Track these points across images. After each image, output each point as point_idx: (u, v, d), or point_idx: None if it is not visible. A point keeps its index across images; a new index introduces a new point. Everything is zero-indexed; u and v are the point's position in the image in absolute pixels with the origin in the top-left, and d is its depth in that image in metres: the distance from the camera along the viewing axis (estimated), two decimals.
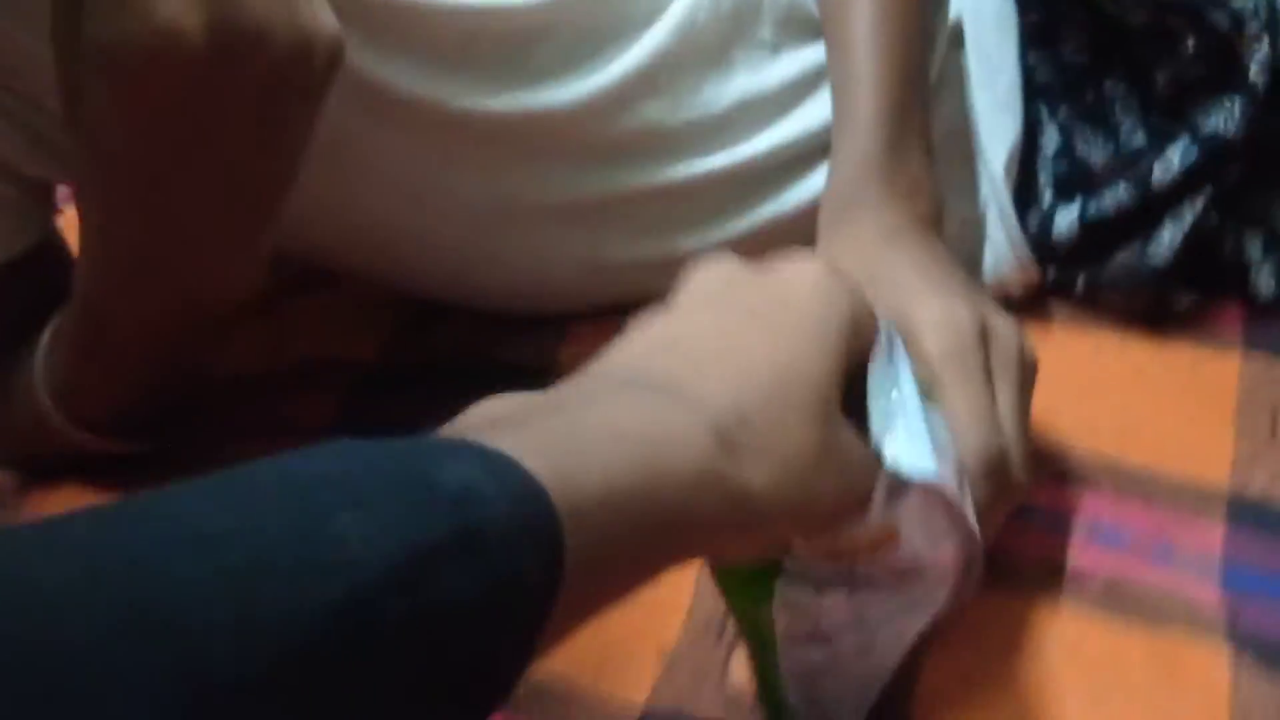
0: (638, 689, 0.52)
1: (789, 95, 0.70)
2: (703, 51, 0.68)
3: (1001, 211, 0.69)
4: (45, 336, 0.60)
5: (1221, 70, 0.65)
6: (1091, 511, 0.57)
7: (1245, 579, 0.54)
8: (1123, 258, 0.67)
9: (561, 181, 0.68)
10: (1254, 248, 0.68)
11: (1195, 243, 0.66)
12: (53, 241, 0.66)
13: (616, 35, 0.67)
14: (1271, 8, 0.64)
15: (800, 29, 0.70)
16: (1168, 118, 0.68)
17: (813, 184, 0.69)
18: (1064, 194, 0.69)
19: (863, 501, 0.38)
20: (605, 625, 0.34)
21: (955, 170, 0.69)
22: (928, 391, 0.47)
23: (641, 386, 0.36)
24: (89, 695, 0.21)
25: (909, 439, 0.40)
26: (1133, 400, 0.64)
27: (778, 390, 0.37)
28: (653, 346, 0.38)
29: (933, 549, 0.41)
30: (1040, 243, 0.68)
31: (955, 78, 0.70)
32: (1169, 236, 0.65)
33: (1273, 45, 0.63)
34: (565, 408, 0.34)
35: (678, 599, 0.55)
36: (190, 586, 0.23)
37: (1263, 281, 0.68)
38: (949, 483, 0.40)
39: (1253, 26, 0.63)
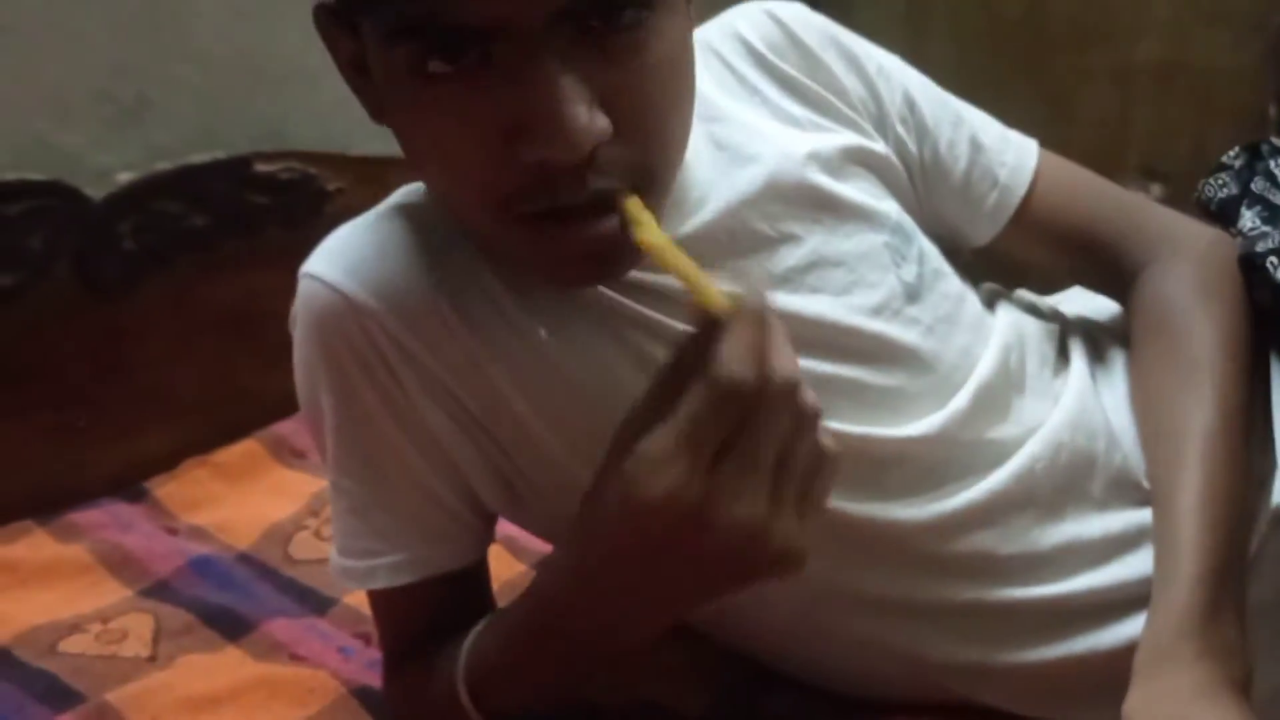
0: None
1: (1112, 546, 0.77)
2: (1036, 498, 0.77)
3: None
4: (469, 641, 0.73)
5: None
6: None
7: None
8: None
9: (899, 583, 0.76)
10: None
11: None
12: (484, 565, 0.81)
13: (963, 473, 0.77)
14: None
15: (1128, 491, 0.79)
16: None
17: (1127, 630, 0.74)
18: None
19: None
20: None
21: (1269, 640, 0.73)
22: None
23: None
24: None
25: None
26: None
27: None
28: None
29: None
30: None
31: (1275, 554, 0.75)
32: None
33: None
34: None
35: None
36: None
37: None
38: None
39: None
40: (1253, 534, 0.75)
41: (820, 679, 0.82)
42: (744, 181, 0.75)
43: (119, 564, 1.09)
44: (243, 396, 1.31)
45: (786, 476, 0.56)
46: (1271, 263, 0.77)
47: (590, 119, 0.58)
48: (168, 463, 1.26)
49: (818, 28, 0.83)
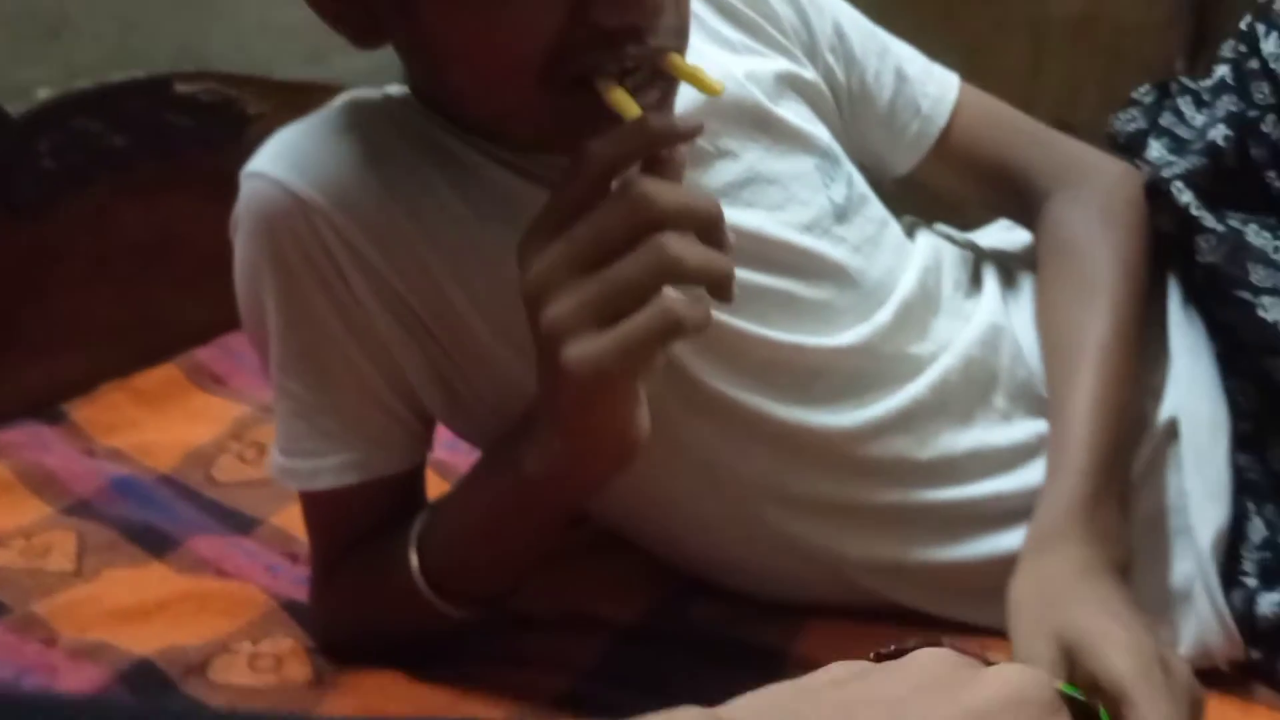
0: None
1: (1017, 454, 0.82)
2: (949, 407, 0.82)
3: (1207, 585, 0.77)
4: (415, 535, 0.75)
5: None
6: None
7: None
8: None
9: (823, 484, 0.80)
10: None
11: None
12: (423, 471, 0.82)
13: (884, 383, 0.81)
14: None
15: (1032, 403, 0.83)
16: None
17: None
18: (1268, 581, 0.76)
19: None
20: None
21: (1160, 542, 0.79)
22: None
23: None
24: None
25: None
26: None
27: None
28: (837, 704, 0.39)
29: None
30: (1242, 621, 0.76)
31: (1170, 463, 0.81)
32: None
33: None
34: None
35: None
36: None
37: None
38: None
39: None
40: (1145, 441, 0.81)
41: (746, 585, 0.86)
42: (683, 96, 0.77)
43: (40, 482, 1.08)
44: (161, 322, 1.30)
45: (603, 287, 0.57)
46: (1176, 186, 0.81)
47: None
48: (85, 386, 1.24)
49: None
